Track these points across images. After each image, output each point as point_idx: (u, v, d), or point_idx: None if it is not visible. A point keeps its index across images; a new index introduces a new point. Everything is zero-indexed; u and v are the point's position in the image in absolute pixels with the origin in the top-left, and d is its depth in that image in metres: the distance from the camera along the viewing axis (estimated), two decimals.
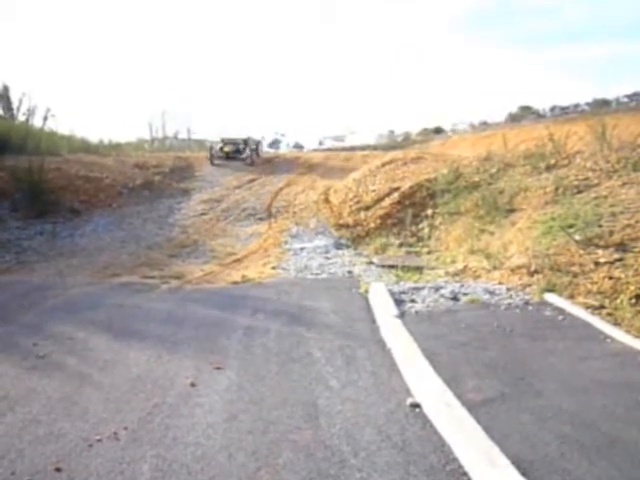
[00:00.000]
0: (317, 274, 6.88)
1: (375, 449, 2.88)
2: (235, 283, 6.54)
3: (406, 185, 9.60)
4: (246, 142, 16.78)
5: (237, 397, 3.48)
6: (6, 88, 17.70)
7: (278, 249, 8.26)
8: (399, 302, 5.20)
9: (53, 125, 16.90)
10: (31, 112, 16.90)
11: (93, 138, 17.06)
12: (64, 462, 2.76)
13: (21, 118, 16.94)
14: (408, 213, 8.88)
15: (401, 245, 8.12)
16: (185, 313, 5.29)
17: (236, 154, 16.11)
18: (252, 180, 13.73)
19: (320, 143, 32.88)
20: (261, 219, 10.36)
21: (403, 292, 5.57)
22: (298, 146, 31.61)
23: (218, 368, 3.93)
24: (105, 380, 3.76)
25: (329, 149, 24.18)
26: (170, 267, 7.42)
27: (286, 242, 8.65)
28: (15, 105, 17.48)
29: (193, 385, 3.65)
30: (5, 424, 3.15)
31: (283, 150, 25.91)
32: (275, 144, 31.81)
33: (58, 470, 2.69)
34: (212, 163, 16.06)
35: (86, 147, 15.40)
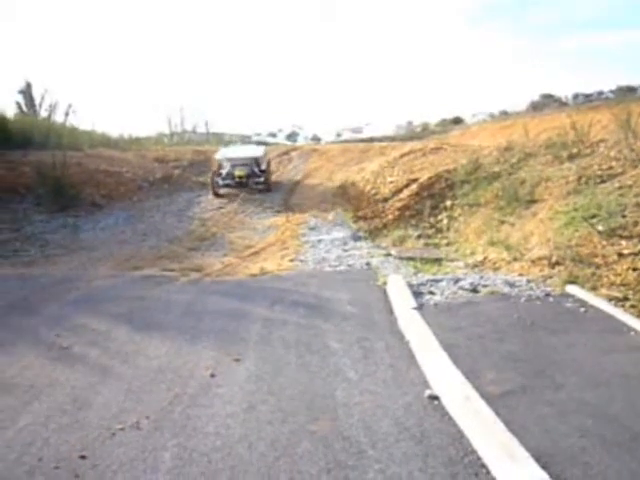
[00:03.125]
0: (335, 266, 6.88)
1: (393, 441, 2.89)
2: (253, 275, 6.58)
3: (425, 176, 9.51)
4: (258, 161, 12.21)
5: (256, 388, 3.52)
6: (28, 85, 18.00)
7: (296, 241, 8.27)
8: (417, 294, 5.18)
9: (74, 121, 17.16)
10: (53, 108, 17.19)
11: (113, 133, 17.28)
12: (88, 450, 2.83)
13: (43, 114, 17.23)
14: (427, 204, 8.81)
15: (419, 237, 8.06)
16: (204, 305, 5.35)
17: (251, 179, 11.74)
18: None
19: (338, 135, 32.80)
20: (279, 212, 10.38)
21: (421, 284, 5.54)
22: (315, 138, 31.58)
23: (237, 359, 3.97)
24: (127, 371, 3.83)
25: (347, 141, 24.08)
26: (190, 260, 7.50)
27: (304, 234, 8.66)
28: (37, 101, 17.80)
29: (212, 376, 3.70)
30: (32, 413, 3.24)
31: (300, 143, 25.89)
32: (292, 137, 31.82)
33: (83, 458, 2.76)
34: (216, 194, 11.60)
35: (106, 142, 15.58)
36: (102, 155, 13.29)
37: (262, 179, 11.86)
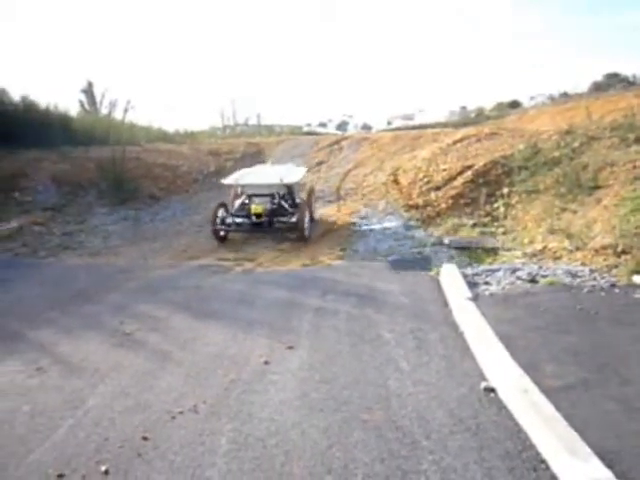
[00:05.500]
0: (386, 255, 6.82)
1: (447, 432, 2.84)
2: (305, 265, 6.64)
3: (480, 163, 9.21)
4: (291, 191, 8.37)
5: (309, 376, 3.56)
6: (90, 84, 18.90)
7: (347, 231, 8.26)
8: (472, 284, 5.05)
9: (132, 117, 17.89)
10: (112, 105, 17.99)
11: (169, 128, 17.84)
12: (150, 432, 2.96)
13: (104, 111, 18.06)
14: (482, 192, 8.53)
15: (474, 225, 7.84)
16: (258, 294, 5.46)
17: (275, 217, 7.81)
18: (320, 163, 13.77)
19: (389, 123, 32.32)
20: (330, 201, 10.39)
21: (477, 274, 5.40)
22: (366, 127, 31.28)
23: (290, 347, 4.03)
24: (185, 357, 3.97)
25: (398, 128, 23.68)
26: (243, 250, 7.66)
27: (355, 224, 8.64)
28: (98, 99, 18.67)
29: (267, 363, 3.77)
30: (98, 395, 3.43)
31: (351, 132, 25.73)
32: (342, 126, 31.68)
33: (145, 439, 2.90)
34: (218, 237, 8.01)
35: (163, 136, 16.12)
36: (159, 149, 13.76)
37: (294, 219, 7.70)
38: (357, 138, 15.15)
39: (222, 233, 8.08)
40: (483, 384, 3.31)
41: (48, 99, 19.69)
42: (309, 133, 21.03)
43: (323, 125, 32.22)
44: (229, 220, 8.05)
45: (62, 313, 5.10)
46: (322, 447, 2.76)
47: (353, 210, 9.48)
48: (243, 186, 8.31)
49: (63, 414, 3.19)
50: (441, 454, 2.66)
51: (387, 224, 8.45)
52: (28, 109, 13.23)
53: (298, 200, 8.45)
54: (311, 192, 9.22)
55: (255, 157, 14.23)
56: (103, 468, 2.65)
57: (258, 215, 7.71)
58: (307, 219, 7.90)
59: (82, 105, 18.65)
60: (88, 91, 18.85)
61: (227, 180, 8.32)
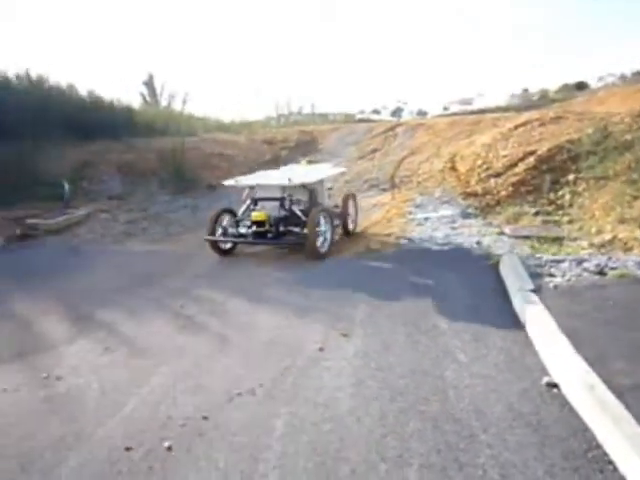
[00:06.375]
0: (443, 245, 6.67)
1: (506, 427, 2.76)
2: (358, 253, 6.61)
3: (543, 148, 8.79)
4: (313, 194, 6.91)
5: (363, 364, 3.56)
6: (151, 76, 19.59)
7: (402, 219, 8.14)
8: (535, 275, 4.85)
9: (191, 108, 18.41)
10: (171, 97, 18.58)
11: (225, 118, 18.22)
12: (210, 412, 3.07)
13: (163, 103, 18.70)
14: (546, 179, 8.15)
15: (537, 214, 7.50)
16: (311, 282, 5.50)
17: (286, 226, 6.52)
18: (374, 150, 13.63)
19: (445, 108, 31.43)
20: (384, 189, 10.26)
21: (539, 265, 5.18)
22: (421, 113, 30.58)
23: (345, 335, 4.04)
24: (242, 341, 4.08)
25: (455, 114, 23.00)
26: None
27: (410, 212, 8.49)
28: (158, 91, 19.33)
29: (321, 350, 3.80)
30: (162, 375, 3.58)
31: (405, 118, 25.25)
32: (397, 113, 31.13)
33: (205, 418, 3.00)
34: (217, 251, 6.78)
35: (219, 127, 16.50)
36: (216, 139, 14.09)
37: (306, 230, 6.22)
38: (412, 124, 14.84)
39: (227, 245, 6.82)
40: (545, 379, 3.19)
41: (112, 92, 20.64)
42: (362, 120, 20.84)
43: (377, 112, 31.79)
44: (231, 230, 6.74)
45: (128, 296, 5.36)
46: (377, 435, 2.76)
47: (408, 198, 9.33)
48: (249, 187, 7.02)
49: (130, 391, 3.36)
50: (499, 448, 2.59)
51: (443, 212, 8.26)
52: (94, 103, 13.95)
53: (319, 206, 6.87)
54: (348, 198, 7.70)
55: (309, 145, 14.29)
56: (167, 444, 2.77)
57: (260, 223, 6.38)
58: (326, 230, 6.51)
59: (143, 97, 19.39)
60: (149, 83, 19.56)
61: (228, 181, 7.11)
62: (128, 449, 2.76)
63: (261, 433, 2.83)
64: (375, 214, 8.74)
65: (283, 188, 6.64)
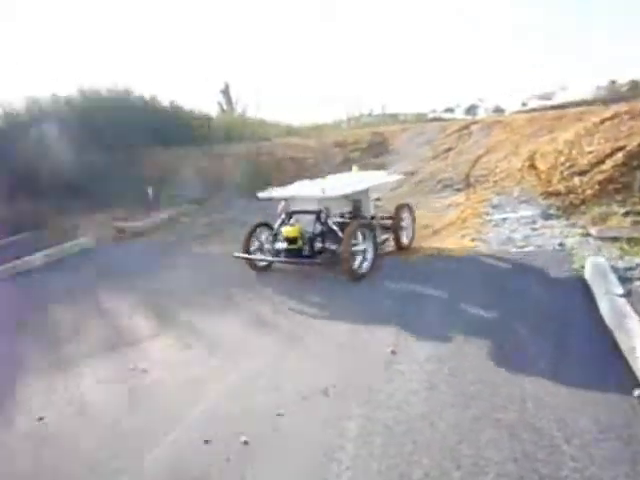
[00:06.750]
0: (522, 246, 6.38)
1: (592, 439, 2.60)
2: (431, 256, 6.48)
3: (634, 143, 8.14)
4: (357, 205, 6.41)
5: (436, 368, 3.49)
6: (227, 85, 20.40)
7: (477, 220, 7.88)
8: (624, 279, 4.51)
9: (264, 114, 18.96)
10: (246, 105, 19.29)
11: (296, 122, 18.56)
12: (285, 409, 3.15)
13: (238, 110, 19.42)
14: (636, 176, 7.54)
15: (627, 214, 6.96)
16: (381, 286, 5.45)
17: (323, 243, 5.83)
18: (447, 150, 13.30)
19: (523, 104, 29.99)
20: (458, 190, 9.97)
21: (629, 268, 4.82)
22: (498, 110, 29.34)
23: (417, 339, 3.98)
24: (314, 342, 4.14)
25: (534, 109, 21.89)
26: None
27: (486, 213, 8.19)
28: (234, 99, 20.12)
29: (393, 353, 3.78)
30: (238, 371, 3.73)
31: (481, 116, 24.41)
32: (472, 110, 30.14)
33: (279, 415, 3.09)
34: (254, 268, 6.30)
35: (289, 131, 16.85)
36: (288, 144, 14.39)
37: (342, 249, 5.47)
38: (488, 122, 14.30)
39: (262, 263, 6.27)
40: (637, 391, 2.96)
41: (192, 102, 21.74)
42: (435, 119, 20.37)
43: (450, 110, 30.90)
44: (267, 246, 6.30)
45: (208, 296, 5.63)
46: (451, 442, 2.70)
47: (484, 198, 9.01)
48: (283, 203, 6.26)
49: (208, 387, 3.53)
50: (585, 462, 2.45)
51: (522, 212, 7.89)
52: (175, 112, 14.80)
53: (366, 219, 6.32)
54: (402, 208, 6.86)
55: (380, 146, 14.19)
56: (243, 439, 2.88)
57: (291, 240, 5.84)
58: (365, 249, 5.79)
59: (220, 105, 20.22)
60: (225, 92, 20.37)
61: (262, 193, 6.51)
62: (206, 442, 2.90)
63: (334, 434, 2.86)
64: (449, 215, 8.53)
65: (319, 200, 5.87)
